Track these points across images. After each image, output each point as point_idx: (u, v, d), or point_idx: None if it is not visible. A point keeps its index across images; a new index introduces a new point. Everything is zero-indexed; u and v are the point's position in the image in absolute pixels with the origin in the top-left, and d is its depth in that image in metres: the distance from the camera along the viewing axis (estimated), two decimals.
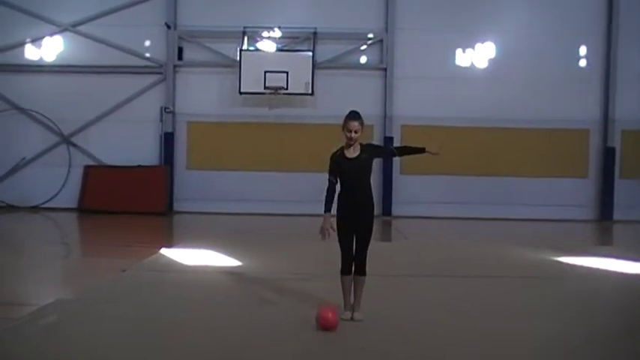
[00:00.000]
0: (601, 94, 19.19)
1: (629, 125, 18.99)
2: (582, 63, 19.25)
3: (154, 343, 5.91)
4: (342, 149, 6.71)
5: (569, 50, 19.19)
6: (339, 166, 6.65)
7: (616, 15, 18.94)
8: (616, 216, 19.01)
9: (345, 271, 6.70)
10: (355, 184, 6.62)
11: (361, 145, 6.70)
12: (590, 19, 19.10)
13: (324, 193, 6.70)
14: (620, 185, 19.07)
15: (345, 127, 6.61)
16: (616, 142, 19.16)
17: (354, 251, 6.66)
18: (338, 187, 6.73)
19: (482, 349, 5.87)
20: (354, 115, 6.63)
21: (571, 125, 18.99)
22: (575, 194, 19.14)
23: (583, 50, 19.21)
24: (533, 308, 7.47)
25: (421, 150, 6.95)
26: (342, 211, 6.66)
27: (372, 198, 6.76)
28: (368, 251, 6.71)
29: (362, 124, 6.63)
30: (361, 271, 6.69)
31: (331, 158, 6.73)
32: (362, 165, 6.65)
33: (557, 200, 18.96)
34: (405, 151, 7.21)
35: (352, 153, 6.64)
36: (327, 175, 6.74)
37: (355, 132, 6.58)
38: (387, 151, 7.53)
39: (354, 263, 6.67)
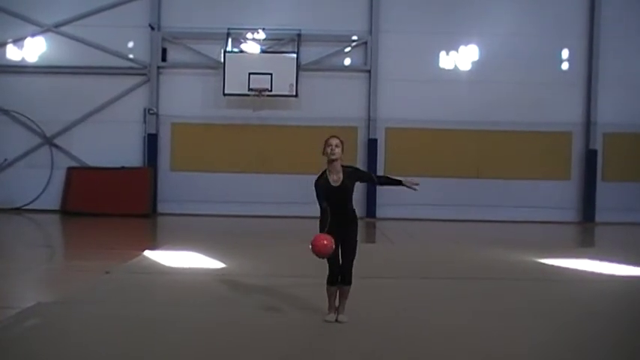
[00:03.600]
0: (583, 97, 19.36)
1: (610, 128, 19.17)
2: (565, 67, 19.43)
3: (138, 345, 5.88)
4: (324, 174, 6.63)
5: (552, 54, 19.35)
6: (324, 191, 6.59)
7: (597, 20, 19.12)
8: (598, 218, 19.18)
9: (331, 281, 6.70)
10: (339, 207, 6.61)
11: (344, 168, 6.63)
12: (573, 24, 19.27)
13: (319, 221, 6.56)
14: (601, 187, 19.24)
15: (325, 147, 6.59)
16: (598, 145, 19.34)
17: (340, 262, 6.66)
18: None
19: (471, 351, 5.88)
20: (332, 136, 6.69)
21: (554, 128, 19.14)
22: (558, 196, 19.28)
23: (565, 54, 19.38)
24: (521, 310, 7.50)
25: (399, 182, 6.98)
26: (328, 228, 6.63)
27: (354, 213, 6.77)
28: (354, 262, 6.73)
29: (342, 142, 6.62)
30: (347, 280, 6.69)
31: (316, 185, 6.61)
32: (346, 191, 6.63)
33: (540, 202, 19.09)
34: (384, 181, 7.25)
35: (336, 179, 6.57)
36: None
37: (336, 146, 6.54)
38: (368, 177, 7.46)
39: (340, 274, 6.67)
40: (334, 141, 6.58)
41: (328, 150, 6.56)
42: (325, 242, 6.23)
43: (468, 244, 14.02)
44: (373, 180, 7.42)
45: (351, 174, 6.70)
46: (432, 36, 19.14)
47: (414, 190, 7.04)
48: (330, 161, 6.59)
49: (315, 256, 6.31)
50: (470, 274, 9.79)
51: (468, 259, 11.30)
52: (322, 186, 6.59)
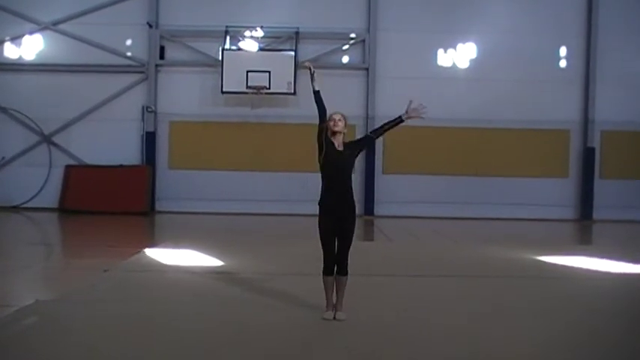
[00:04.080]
0: (581, 95, 19.37)
1: (608, 126, 19.18)
2: (563, 64, 19.42)
3: (137, 343, 5.87)
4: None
5: (550, 52, 19.34)
6: (325, 143, 6.67)
7: (595, 18, 19.12)
8: (595, 215, 19.20)
9: (327, 271, 6.71)
10: (338, 178, 6.65)
11: (344, 142, 6.77)
12: (571, 22, 19.27)
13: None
14: (599, 185, 19.26)
15: (328, 121, 6.72)
16: (596, 142, 19.35)
17: (336, 251, 6.67)
18: (321, 184, 6.74)
19: (472, 351, 5.87)
20: (334, 112, 6.80)
21: (552, 126, 19.14)
22: (556, 194, 19.29)
23: (563, 52, 19.37)
24: (521, 308, 7.50)
25: (398, 120, 6.99)
26: (325, 208, 6.66)
27: (353, 197, 6.77)
28: (350, 251, 6.73)
29: (345, 118, 6.78)
30: (343, 270, 6.70)
31: (321, 131, 6.71)
32: (346, 159, 6.71)
33: (538, 200, 19.10)
34: (382, 130, 7.05)
35: (338, 146, 6.71)
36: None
37: (339, 120, 6.70)
38: (365, 139, 7.33)
39: (336, 263, 6.68)
40: (337, 116, 6.76)
41: (331, 124, 6.69)
42: None
43: (466, 242, 14.03)
44: (371, 138, 7.25)
45: (350, 145, 6.78)
46: (431, 34, 19.13)
47: (421, 116, 7.10)
48: (333, 133, 6.70)
49: None
50: (469, 271, 9.80)
51: (467, 257, 11.31)
52: (325, 137, 6.68)
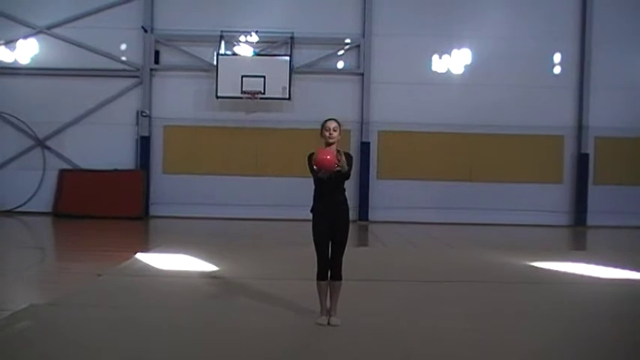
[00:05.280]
0: (575, 101, 19.42)
1: (602, 132, 19.22)
2: (557, 70, 19.47)
3: (130, 347, 5.86)
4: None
5: (545, 58, 19.38)
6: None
7: (590, 24, 19.19)
8: (589, 221, 19.22)
9: (321, 276, 6.70)
10: (331, 184, 6.63)
11: (337, 150, 6.68)
12: (565, 28, 19.32)
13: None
14: (593, 191, 19.30)
15: (323, 130, 6.66)
16: (590, 148, 19.39)
17: (330, 256, 6.67)
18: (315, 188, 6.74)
19: (470, 355, 5.87)
20: (330, 118, 6.73)
21: (546, 132, 19.19)
22: (549, 200, 19.32)
23: (558, 58, 19.42)
24: (517, 312, 7.52)
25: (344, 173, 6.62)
26: (318, 213, 6.67)
27: (346, 201, 6.77)
28: (344, 256, 6.73)
29: (340, 125, 6.71)
30: (337, 275, 6.69)
31: (309, 157, 6.57)
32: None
33: (532, 205, 19.12)
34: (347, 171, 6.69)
35: None
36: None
37: (334, 129, 6.62)
38: (349, 168, 6.92)
39: (330, 268, 6.68)
40: (332, 124, 6.65)
41: (327, 134, 6.63)
42: (328, 157, 6.24)
43: (460, 247, 14.03)
44: (347, 171, 6.64)
45: (345, 155, 6.58)
46: (425, 39, 19.18)
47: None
48: (328, 144, 6.65)
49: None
50: (464, 277, 9.80)
51: (462, 262, 11.31)
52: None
